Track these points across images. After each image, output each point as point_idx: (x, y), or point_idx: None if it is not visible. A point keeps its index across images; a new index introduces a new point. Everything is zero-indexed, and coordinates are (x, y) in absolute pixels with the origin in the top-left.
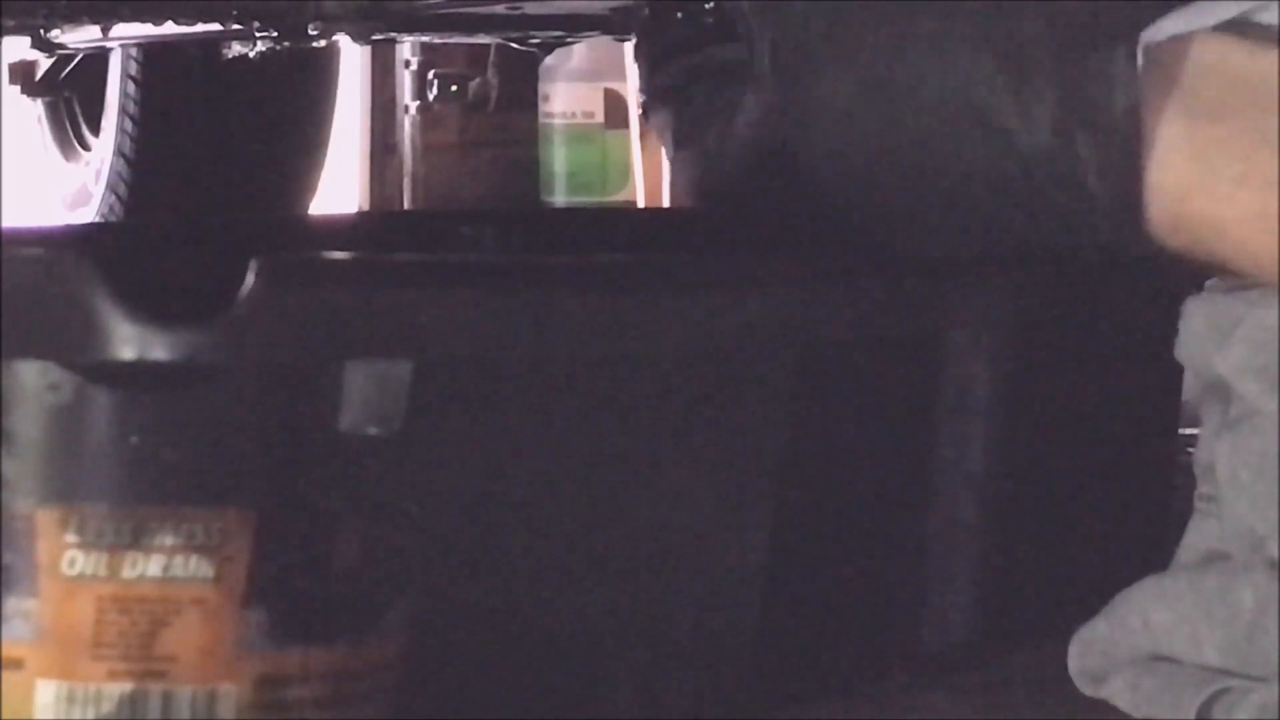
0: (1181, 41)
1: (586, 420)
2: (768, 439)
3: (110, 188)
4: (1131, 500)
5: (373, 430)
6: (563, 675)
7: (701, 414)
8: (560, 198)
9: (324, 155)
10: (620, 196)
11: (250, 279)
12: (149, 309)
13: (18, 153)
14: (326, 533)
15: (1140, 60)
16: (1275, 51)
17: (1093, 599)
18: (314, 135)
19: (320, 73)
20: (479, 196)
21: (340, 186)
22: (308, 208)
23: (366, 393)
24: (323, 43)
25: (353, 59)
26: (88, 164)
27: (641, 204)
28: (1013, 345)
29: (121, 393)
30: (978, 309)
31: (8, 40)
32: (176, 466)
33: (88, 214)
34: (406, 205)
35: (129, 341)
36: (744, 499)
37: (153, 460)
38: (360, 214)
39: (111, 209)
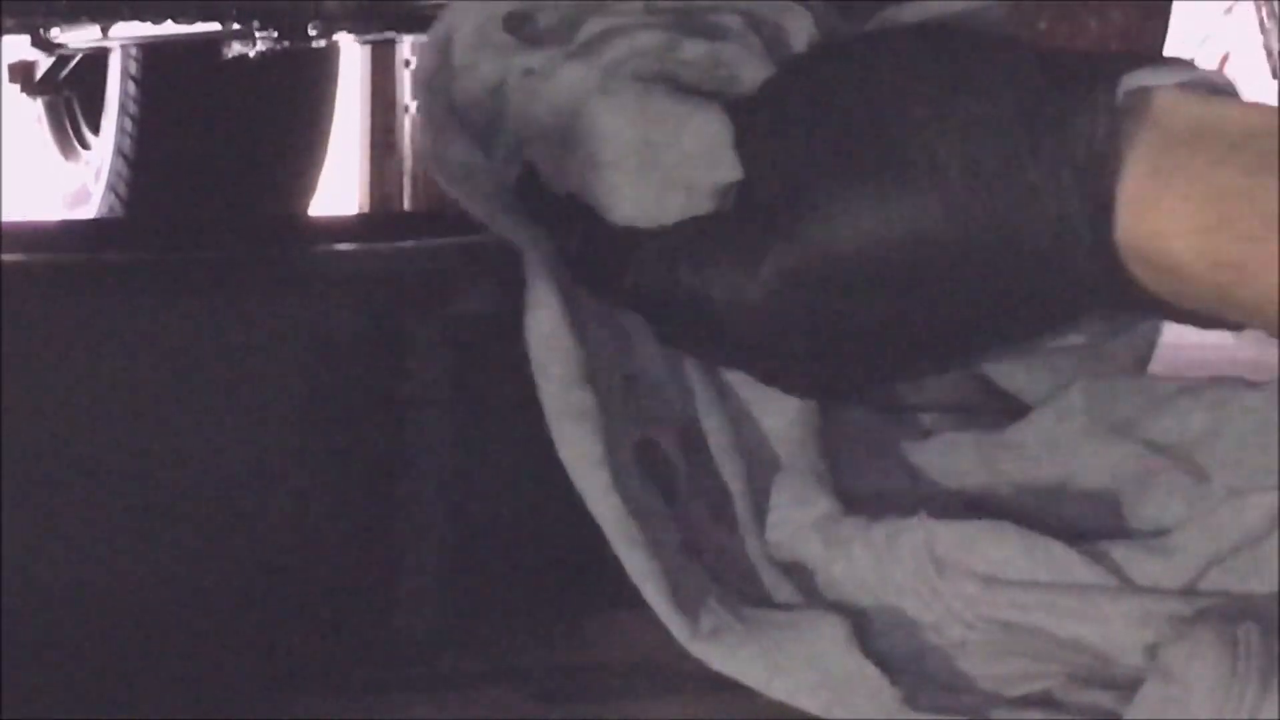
0: (1147, 90)
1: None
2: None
3: (110, 187)
4: None
5: None
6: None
7: None
8: None
9: (324, 155)
10: None
11: None
12: None
13: (18, 153)
14: None
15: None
16: (1227, 101)
17: None
18: (314, 135)
19: (320, 73)
20: None
21: (340, 186)
22: (308, 208)
23: None
24: (323, 42)
25: (353, 59)
26: (88, 163)
27: None
28: None
29: None
30: None
31: (8, 40)
32: None
33: (88, 213)
34: (406, 205)
35: None
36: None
37: None
38: (360, 214)
39: (111, 209)
